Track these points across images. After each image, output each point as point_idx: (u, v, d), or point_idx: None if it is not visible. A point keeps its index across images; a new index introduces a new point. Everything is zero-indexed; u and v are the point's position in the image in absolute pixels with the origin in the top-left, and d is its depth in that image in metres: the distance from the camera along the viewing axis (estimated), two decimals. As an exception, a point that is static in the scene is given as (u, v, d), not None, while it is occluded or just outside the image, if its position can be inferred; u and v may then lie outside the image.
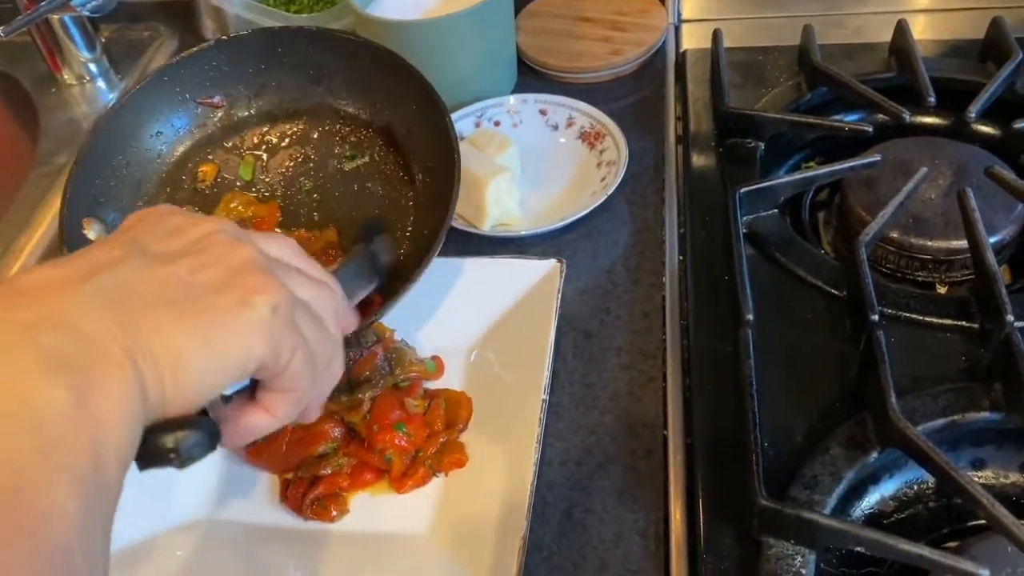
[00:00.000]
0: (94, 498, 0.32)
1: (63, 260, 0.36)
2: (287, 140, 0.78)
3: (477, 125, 0.87)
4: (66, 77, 1.04)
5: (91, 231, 0.68)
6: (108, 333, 0.34)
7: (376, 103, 0.76)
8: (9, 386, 0.31)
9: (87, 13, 0.98)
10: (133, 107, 0.73)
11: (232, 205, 0.74)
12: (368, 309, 0.64)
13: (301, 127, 0.78)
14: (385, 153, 0.76)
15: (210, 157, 0.77)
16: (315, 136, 0.78)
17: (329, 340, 0.43)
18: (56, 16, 0.98)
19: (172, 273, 0.37)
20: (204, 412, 0.38)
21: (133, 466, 0.35)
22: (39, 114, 1.01)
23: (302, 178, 0.77)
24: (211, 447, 0.38)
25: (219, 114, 0.77)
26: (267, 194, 0.77)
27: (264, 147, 0.78)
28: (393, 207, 0.74)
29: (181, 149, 0.76)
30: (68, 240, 0.67)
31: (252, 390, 0.42)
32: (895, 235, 0.69)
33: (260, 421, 0.42)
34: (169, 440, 0.36)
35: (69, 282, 0.34)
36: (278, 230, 0.74)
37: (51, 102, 1.02)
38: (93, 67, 1.04)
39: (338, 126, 0.77)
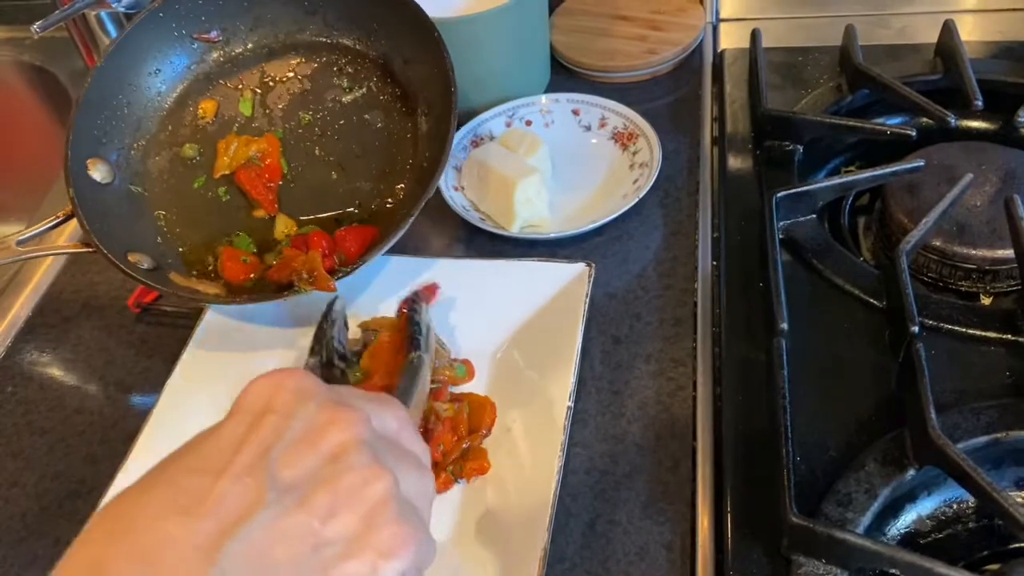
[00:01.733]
0: None
1: (192, 501, 0.35)
2: (285, 74, 0.77)
3: (508, 124, 0.85)
4: (102, 72, 1.05)
5: (95, 172, 0.69)
6: None
7: (372, 33, 0.76)
8: None
9: (122, 9, 0.99)
10: (130, 46, 0.73)
11: (231, 150, 0.74)
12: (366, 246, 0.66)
13: (298, 60, 0.78)
14: (383, 84, 0.76)
15: (209, 94, 0.77)
16: (312, 69, 0.77)
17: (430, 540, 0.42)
18: (92, 12, 0.99)
19: (304, 523, 0.36)
20: None
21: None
22: (75, 109, 1.02)
23: (301, 112, 0.76)
24: None
25: (216, 50, 0.77)
26: (268, 129, 0.76)
27: (262, 82, 0.77)
28: (393, 139, 0.75)
29: (180, 87, 0.76)
30: (74, 182, 0.67)
31: None
32: (938, 243, 0.67)
33: None
34: None
35: (202, 550, 0.34)
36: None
37: (87, 97, 1.04)
38: (128, 63, 1.05)
39: (335, 57, 0.77)
